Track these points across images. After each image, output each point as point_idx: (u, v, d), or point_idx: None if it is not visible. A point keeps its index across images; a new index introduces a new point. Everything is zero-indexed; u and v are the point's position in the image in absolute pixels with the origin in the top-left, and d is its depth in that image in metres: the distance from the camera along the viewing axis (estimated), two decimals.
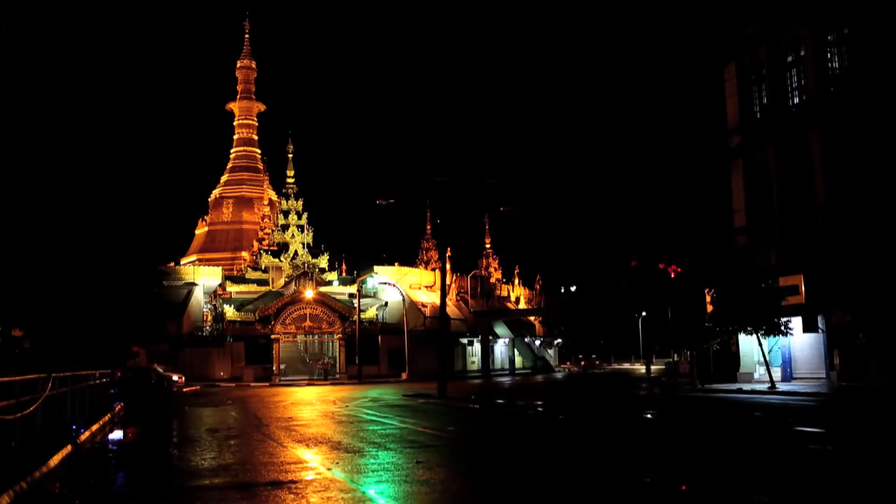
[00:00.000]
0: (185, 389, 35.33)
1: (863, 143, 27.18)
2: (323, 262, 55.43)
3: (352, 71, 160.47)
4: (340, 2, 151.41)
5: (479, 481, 9.80)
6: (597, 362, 76.37)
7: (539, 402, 23.43)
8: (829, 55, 29.43)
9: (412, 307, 53.64)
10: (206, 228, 75.12)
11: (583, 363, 70.38)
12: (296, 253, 54.21)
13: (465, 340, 59.73)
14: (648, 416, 18.20)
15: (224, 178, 77.02)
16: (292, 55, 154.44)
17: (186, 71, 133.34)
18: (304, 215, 56.01)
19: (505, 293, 73.82)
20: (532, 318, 73.09)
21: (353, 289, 52.35)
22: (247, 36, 78.44)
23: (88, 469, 11.19)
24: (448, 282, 50.86)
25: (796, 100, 30.83)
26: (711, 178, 37.00)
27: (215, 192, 76.43)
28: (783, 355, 30.25)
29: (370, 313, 51.93)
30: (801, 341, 29.78)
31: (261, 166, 76.76)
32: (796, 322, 28.52)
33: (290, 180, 57.86)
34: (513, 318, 67.26)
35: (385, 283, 54.64)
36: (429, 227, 68.99)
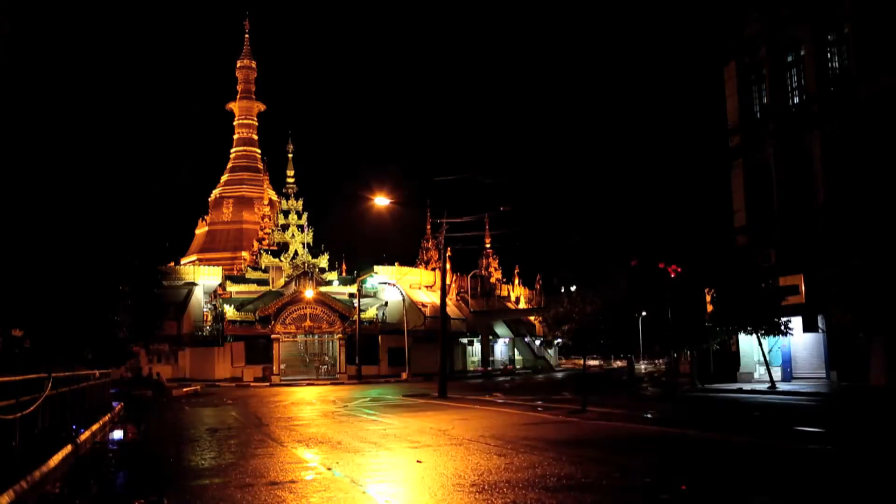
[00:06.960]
0: (184, 389, 35.32)
1: (863, 143, 27.17)
2: (323, 261, 55.43)
3: (352, 70, 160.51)
4: (340, 2, 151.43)
5: (479, 481, 9.79)
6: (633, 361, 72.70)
7: (539, 402, 23.43)
8: (829, 55, 29.42)
9: (412, 307, 53.63)
10: (206, 228, 75.13)
11: (622, 362, 67.53)
12: (296, 253, 54.20)
13: (465, 340, 59.74)
14: (649, 415, 18.21)
15: (224, 178, 77.04)
16: (292, 55, 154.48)
17: (186, 71, 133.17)
18: (304, 215, 56.05)
19: (505, 293, 73.83)
20: (532, 318, 73.13)
21: (353, 289, 52.34)
22: (247, 36, 78.58)
23: (88, 469, 11.20)
24: (448, 281, 50.82)
25: (796, 100, 30.81)
26: (711, 178, 36.94)
27: (215, 192, 76.44)
28: (783, 355, 30.25)
29: (370, 313, 51.91)
30: (801, 341, 29.78)
31: (261, 166, 76.79)
32: (796, 322, 28.52)
33: (290, 180, 57.89)
34: (513, 318, 67.27)
35: (385, 283, 54.63)
36: (429, 227, 69.00)
